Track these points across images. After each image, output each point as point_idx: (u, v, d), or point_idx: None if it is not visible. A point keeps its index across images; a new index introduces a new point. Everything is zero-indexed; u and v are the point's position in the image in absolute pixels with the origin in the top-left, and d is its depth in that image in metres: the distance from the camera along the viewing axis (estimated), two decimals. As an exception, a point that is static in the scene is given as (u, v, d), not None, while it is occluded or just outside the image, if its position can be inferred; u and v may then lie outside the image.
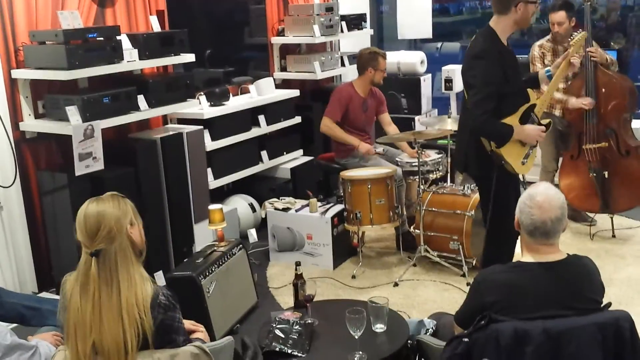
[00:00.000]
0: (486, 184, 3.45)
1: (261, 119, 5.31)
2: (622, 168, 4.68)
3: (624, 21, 8.33)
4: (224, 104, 4.99)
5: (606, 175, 4.70)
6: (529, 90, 3.47)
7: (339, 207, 4.64)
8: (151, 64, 4.33)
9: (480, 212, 4.34)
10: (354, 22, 6.38)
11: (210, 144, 4.81)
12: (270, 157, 5.43)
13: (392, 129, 5.21)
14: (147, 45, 4.20)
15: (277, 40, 5.93)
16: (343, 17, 6.17)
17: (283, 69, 6.05)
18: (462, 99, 3.66)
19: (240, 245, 3.93)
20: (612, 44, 6.51)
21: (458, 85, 6.06)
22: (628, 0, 8.65)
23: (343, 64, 6.26)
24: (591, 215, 4.98)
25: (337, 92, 5.07)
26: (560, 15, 4.73)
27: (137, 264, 2.09)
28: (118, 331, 1.97)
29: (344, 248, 4.69)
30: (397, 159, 4.96)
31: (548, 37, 4.89)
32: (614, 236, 4.82)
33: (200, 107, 4.85)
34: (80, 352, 2.00)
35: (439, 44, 9.07)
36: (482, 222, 4.36)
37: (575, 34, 3.96)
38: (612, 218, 4.83)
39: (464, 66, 3.41)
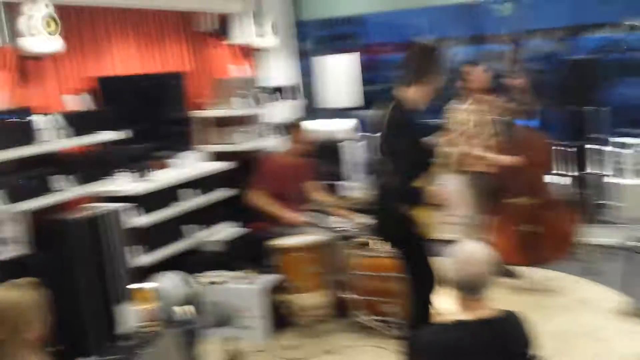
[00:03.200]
0: (404, 247, 3.52)
1: (188, 192, 5.27)
2: (547, 222, 4.83)
3: (539, 85, 8.77)
4: (150, 180, 4.94)
5: (532, 229, 4.83)
6: None
7: (272, 278, 4.58)
8: (75, 143, 4.27)
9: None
10: (283, 93, 6.49)
11: (137, 221, 4.72)
12: (201, 231, 5.36)
13: (320, 195, 5.26)
14: (71, 124, 4.15)
15: (200, 114, 5.95)
16: (270, 89, 6.27)
17: (208, 142, 6.05)
18: (377, 166, 3.64)
19: (170, 325, 3.81)
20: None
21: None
22: (541, 64, 9.14)
23: (271, 135, 6.32)
24: (517, 269, 5.08)
25: (263, 163, 5.13)
26: (479, 69, 5.00)
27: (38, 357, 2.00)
28: None
29: (279, 319, 4.61)
30: (327, 225, 4.98)
31: (466, 99, 5.06)
32: (539, 289, 4.91)
33: (126, 183, 4.78)
34: None
35: (368, 112, 9.30)
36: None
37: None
38: (537, 271, 4.94)
39: (386, 130, 3.45)
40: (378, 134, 3.54)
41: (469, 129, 4.94)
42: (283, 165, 5.08)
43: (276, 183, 5.01)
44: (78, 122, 4.25)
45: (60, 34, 4.34)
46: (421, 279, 3.52)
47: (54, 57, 4.49)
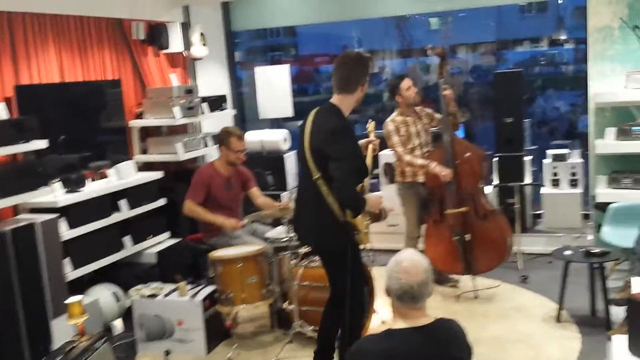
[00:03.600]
0: (341, 257, 3.42)
1: (123, 203, 5.12)
2: (481, 231, 4.94)
3: (466, 97, 9.05)
4: (80, 190, 4.77)
5: (467, 239, 4.94)
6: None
7: (209, 289, 4.50)
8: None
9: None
10: (215, 103, 6.43)
11: (68, 233, 4.55)
12: (135, 242, 5.22)
13: (262, 201, 5.20)
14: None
15: (136, 123, 5.82)
16: (204, 99, 6.20)
17: (144, 151, 5.92)
18: (304, 174, 3.53)
19: (104, 339, 3.66)
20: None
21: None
22: (468, 78, 9.44)
23: (206, 145, 6.24)
24: (455, 277, 5.18)
25: (197, 173, 5.05)
26: (408, 80, 5.06)
27: None
28: None
29: (217, 331, 4.53)
30: (266, 235, 4.93)
31: (395, 112, 5.14)
32: (476, 297, 5.03)
33: (54, 194, 4.59)
34: None
35: (299, 122, 9.34)
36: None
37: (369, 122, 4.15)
38: (473, 279, 5.05)
39: (320, 141, 3.37)
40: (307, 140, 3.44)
41: (399, 139, 5.01)
42: (218, 175, 5.01)
43: (212, 193, 4.94)
44: (7, 131, 4.06)
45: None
46: (356, 289, 3.49)
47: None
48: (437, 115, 5.12)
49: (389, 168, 6.44)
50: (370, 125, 3.92)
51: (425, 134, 5.13)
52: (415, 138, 5.07)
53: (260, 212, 4.95)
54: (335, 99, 3.47)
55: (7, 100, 4.51)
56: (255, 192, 5.25)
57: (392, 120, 5.10)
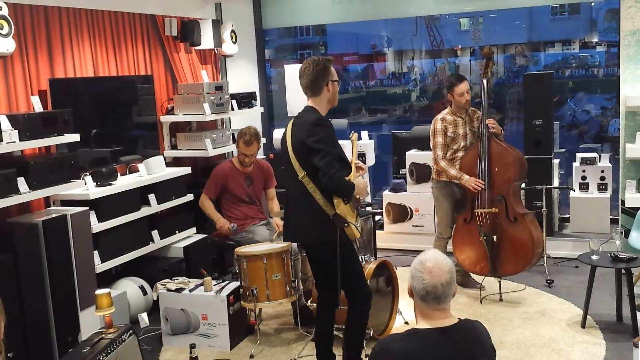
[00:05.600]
0: (330, 249, 3.49)
1: (151, 197, 5.19)
2: (509, 233, 4.91)
3: (497, 97, 8.98)
4: (111, 184, 4.85)
5: (495, 240, 4.91)
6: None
7: (234, 285, 4.54)
8: (32, 145, 4.17)
9: (376, 281, 4.41)
10: (244, 100, 6.48)
11: (97, 226, 4.62)
12: (162, 237, 5.28)
13: (273, 203, 5.29)
14: (28, 126, 4.05)
15: (166, 119, 5.89)
16: (233, 96, 6.26)
17: (174, 147, 6.00)
18: (289, 177, 3.62)
19: (131, 331, 3.72)
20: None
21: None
22: (499, 79, 9.37)
23: (234, 141, 6.28)
24: (479, 280, 5.16)
25: (215, 169, 5.22)
26: (466, 85, 5.02)
27: None
28: None
29: (241, 327, 4.57)
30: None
31: (447, 110, 5.12)
32: (501, 300, 5.00)
33: (85, 187, 4.67)
34: None
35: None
36: (377, 291, 4.42)
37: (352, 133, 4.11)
38: (499, 282, 5.02)
39: (302, 135, 3.50)
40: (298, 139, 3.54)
41: (446, 138, 5.01)
42: (236, 171, 5.12)
43: (229, 189, 5.10)
44: (41, 124, 4.14)
45: (12, 36, 4.27)
46: (353, 276, 3.62)
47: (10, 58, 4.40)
48: (479, 116, 5.05)
49: (415, 168, 6.42)
50: (353, 136, 3.94)
51: (472, 137, 5.10)
52: (462, 140, 5.05)
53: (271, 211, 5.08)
54: (309, 102, 3.66)
55: (42, 94, 4.60)
56: (270, 193, 5.36)
57: (442, 119, 5.07)
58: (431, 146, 5.13)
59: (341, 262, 3.49)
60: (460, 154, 5.04)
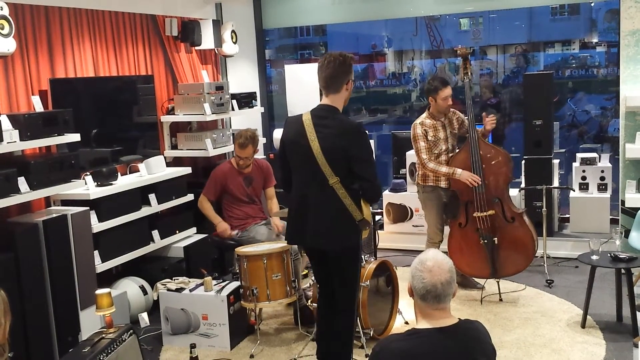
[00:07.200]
0: (352, 254, 3.49)
1: (152, 197, 5.19)
2: (508, 234, 4.92)
3: (495, 97, 8.99)
4: (111, 184, 4.85)
5: (496, 242, 4.92)
6: None
7: (234, 285, 4.55)
8: (33, 145, 4.17)
9: (376, 281, 4.42)
10: (245, 100, 6.49)
11: (98, 225, 4.62)
12: (162, 237, 5.28)
13: (272, 203, 5.30)
14: (28, 126, 4.05)
15: (167, 119, 5.90)
16: (233, 96, 6.27)
17: (174, 147, 6.00)
18: (311, 180, 3.42)
19: (131, 331, 3.72)
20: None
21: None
22: (498, 79, 9.37)
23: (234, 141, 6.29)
24: (480, 281, 5.16)
25: (213, 171, 5.26)
26: (450, 89, 4.97)
27: None
28: None
29: (241, 327, 4.58)
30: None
31: (425, 114, 5.06)
32: (501, 300, 5.00)
33: (86, 187, 4.68)
34: None
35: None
36: (377, 291, 4.43)
37: None
38: (498, 283, 5.02)
39: (342, 141, 3.33)
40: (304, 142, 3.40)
41: (425, 144, 4.97)
42: (233, 171, 5.14)
43: (228, 190, 5.12)
44: (41, 124, 4.14)
45: (13, 36, 4.28)
46: (355, 292, 3.63)
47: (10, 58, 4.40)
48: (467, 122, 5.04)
49: (415, 168, 6.42)
50: (413, 125, 3.94)
51: (453, 139, 5.07)
52: (443, 143, 5.00)
53: (277, 212, 5.06)
54: (327, 100, 3.47)
55: (42, 94, 4.60)
56: (269, 192, 5.37)
57: (421, 124, 5.00)
58: (414, 152, 5.07)
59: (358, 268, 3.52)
60: (443, 157, 4.98)
